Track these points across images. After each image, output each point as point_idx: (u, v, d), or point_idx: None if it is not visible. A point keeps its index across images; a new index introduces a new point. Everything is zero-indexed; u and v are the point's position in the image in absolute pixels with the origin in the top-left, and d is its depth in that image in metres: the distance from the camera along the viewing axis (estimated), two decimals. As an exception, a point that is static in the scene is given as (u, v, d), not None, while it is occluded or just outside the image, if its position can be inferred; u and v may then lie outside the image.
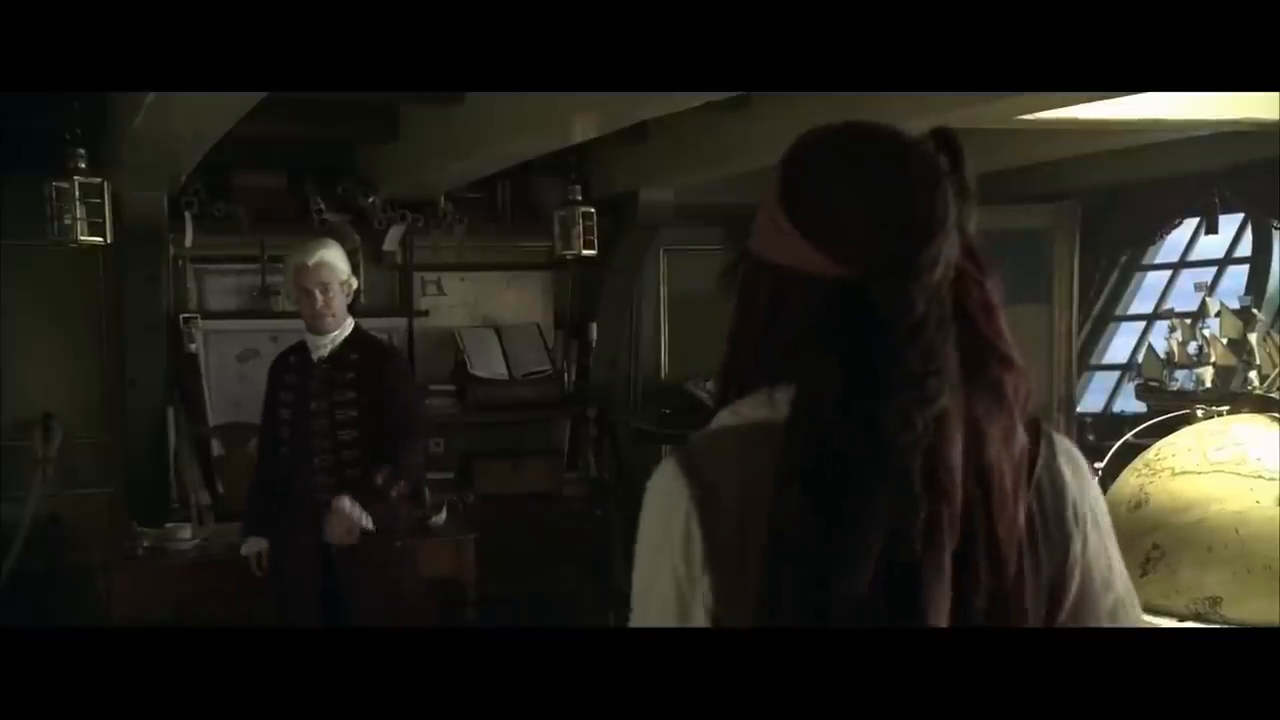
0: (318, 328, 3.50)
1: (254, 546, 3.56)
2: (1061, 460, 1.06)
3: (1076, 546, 1.03)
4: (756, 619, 0.95)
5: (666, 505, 1.02)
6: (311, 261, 3.46)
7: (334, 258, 3.51)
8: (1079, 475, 1.07)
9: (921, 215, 0.99)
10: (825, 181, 1.02)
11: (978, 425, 0.99)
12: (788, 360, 1.02)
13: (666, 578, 1.00)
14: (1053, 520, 1.03)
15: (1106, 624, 1.04)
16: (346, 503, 3.39)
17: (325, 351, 3.51)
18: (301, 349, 3.58)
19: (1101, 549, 1.06)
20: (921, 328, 0.96)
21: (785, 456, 0.96)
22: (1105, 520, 1.08)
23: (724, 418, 1.06)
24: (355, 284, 3.65)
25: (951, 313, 0.99)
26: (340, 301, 3.51)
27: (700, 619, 0.99)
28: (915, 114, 3.51)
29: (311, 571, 3.45)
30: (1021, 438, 1.02)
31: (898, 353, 0.95)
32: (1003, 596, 0.98)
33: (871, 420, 0.94)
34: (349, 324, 3.56)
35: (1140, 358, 4.88)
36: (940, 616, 0.94)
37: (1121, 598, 1.06)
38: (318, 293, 3.45)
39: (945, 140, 1.04)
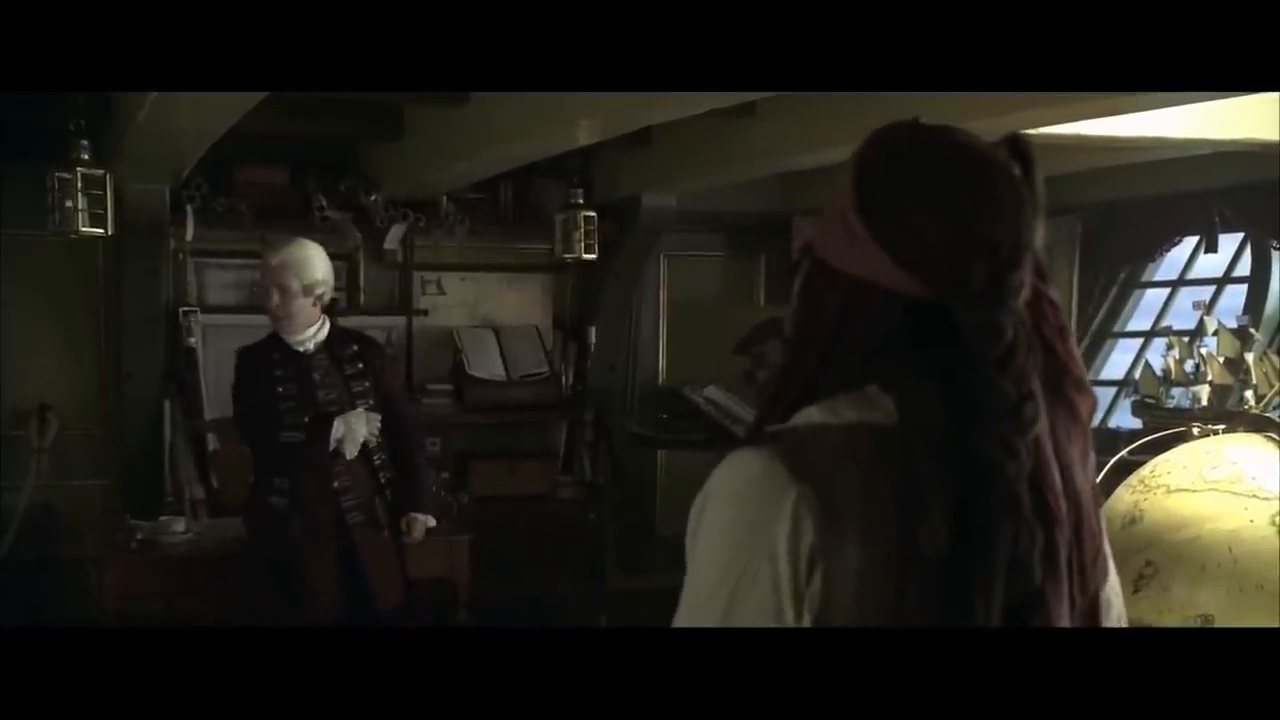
0: (281, 330, 3.42)
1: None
2: None
3: (1104, 549, 1.06)
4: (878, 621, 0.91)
5: (765, 503, 0.93)
6: (274, 260, 3.37)
7: (300, 259, 3.38)
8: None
9: (1010, 238, 0.96)
10: (908, 193, 0.97)
11: (1061, 448, 0.98)
12: (872, 364, 0.97)
13: (765, 580, 0.92)
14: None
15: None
16: (419, 518, 3.57)
17: (310, 346, 3.46)
18: (277, 344, 3.46)
19: (1113, 566, 1.08)
20: (1013, 354, 0.94)
21: (914, 478, 0.92)
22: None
23: (814, 414, 0.97)
24: (324, 293, 3.45)
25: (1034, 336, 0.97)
26: (299, 308, 3.38)
27: (800, 623, 0.93)
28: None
29: (333, 564, 3.43)
30: (1093, 456, 1.02)
31: (991, 380, 0.93)
32: (1085, 613, 1.00)
33: (976, 451, 0.92)
34: (324, 325, 3.47)
35: (1137, 374, 4.89)
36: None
37: (1123, 613, 1.08)
38: (274, 293, 3.36)
39: (1018, 148, 1.00)
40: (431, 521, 3.62)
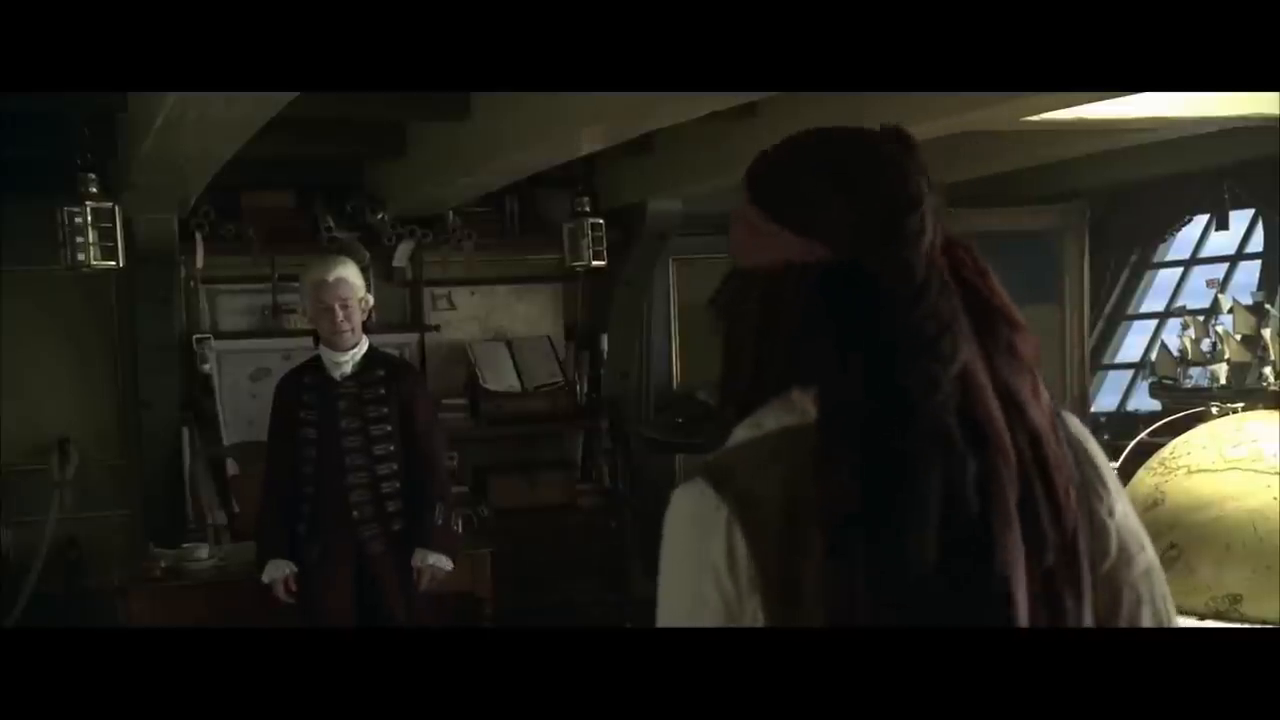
0: (336, 344, 3.50)
1: (278, 571, 3.49)
2: (1076, 431, 1.08)
3: (1109, 507, 1.05)
4: (828, 620, 0.93)
5: (701, 527, 0.98)
6: (331, 277, 3.48)
7: (351, 274, 3.53)
8: (1094, 447, 1.09)
9: (900, 189, 1.00)
10: (798, 173, 1.04)
11: (1006, 384, 1.00)
12: (795, 361, 1.01)
13: (713, 602, 0.97)
14: (1084, 483, 1.04)
15: (1141, 585, 1.05)
16: (430, 556, 3.51)
17: (347, 369, 3.52)
18: (316, 368, 3.56)
19: (1131, 514, 1.08)
20: (925, 290, 0.97)
21: (824, 451, 0.95)
22: (1125, 492, 1.10)
23: (741, 433, 1.03)
24: (371, 301, 3.67)
25: (951, 279, 1.00)
26: (358, 318, 3.52)
27: None
28: (921, 116, 3.53)
29: (349, 592, 3.45)
30: (1045, 393, 1.04)
31: (906, 319, 0.96)
32: (1066, 549, 0.99)
33: (899, 390, 0.94)
34: (365, 342, 3.58)
35: (1153, 356, 4.87)
36: (1017, 570, 0.94)
37: (1153, 561, 1.08)
38: (337, 308, 3.46)
39: (901, 138, 1.05)
40: (446, 565, 3.54)
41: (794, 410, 1.00)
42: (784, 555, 0.95)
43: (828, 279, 0.99)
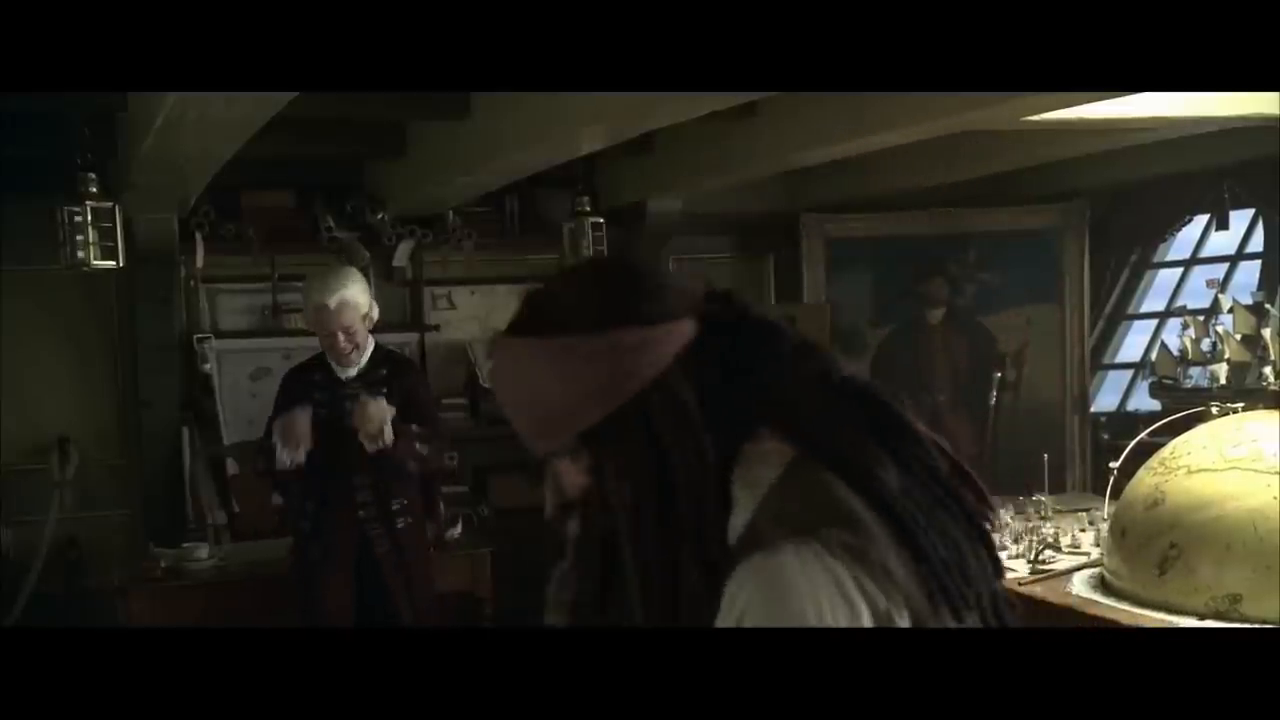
0: (345, 364, 3.51)
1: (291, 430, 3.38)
2: None
3: None
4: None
5: (817, 585, 0.93)
6: (333, 303, 3.41)
7: (354, 293, 3.46)
8: None
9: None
10: (654, 274, 1.13)
11: None
12: (736, 417, 1.04)
13: (872, 618, 0.93)
14: None
15: None
16: (380, 403, 3.39)
17: (352, 371, 3.53)
18: (323, 367, 3.57)
19: None
20: (754, 308, 1.13)
21: (847, 452, 1.01)
22: None
23: (748, 499, 1.01)
24: (376, 314, 3.59)
25: None
26: (363, 336, 3.49)
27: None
28: (921, 116, 3.53)
29: (351, 591, 3.46)
30: None
31: (779, 328, 1.10)
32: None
33: (842, 374, 1.08)
34: (371, 344, 3.58)
35: (1153, 356, 4.86)
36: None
37: None
38: (339, 334, 3.43)
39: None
40: (388, 422, 3.38)
41: (766, 457, 1.02)
42: (891, 554, 0.95)
43: (713, 340, 1.07)
